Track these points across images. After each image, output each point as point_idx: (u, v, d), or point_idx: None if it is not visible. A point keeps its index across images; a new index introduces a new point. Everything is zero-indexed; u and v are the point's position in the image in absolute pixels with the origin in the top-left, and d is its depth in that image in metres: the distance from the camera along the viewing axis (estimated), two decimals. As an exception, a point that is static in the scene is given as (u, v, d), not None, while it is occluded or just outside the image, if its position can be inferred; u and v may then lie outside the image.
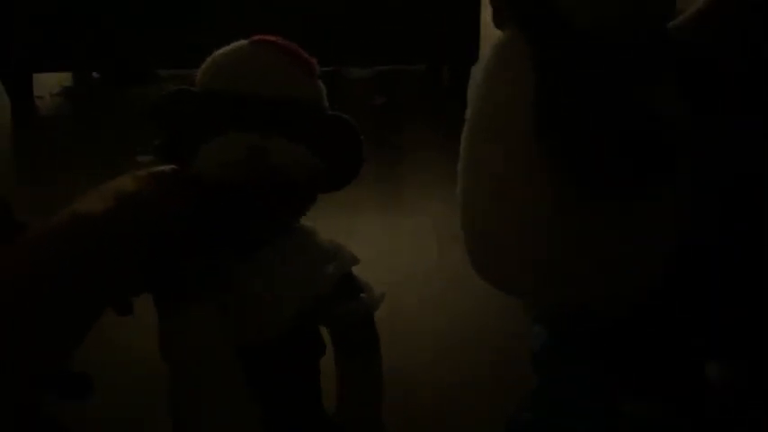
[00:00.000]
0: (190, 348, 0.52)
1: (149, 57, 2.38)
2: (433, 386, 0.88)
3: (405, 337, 0.93)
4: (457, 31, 2.41)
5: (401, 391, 0.88)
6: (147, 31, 2.29)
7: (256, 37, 0.56)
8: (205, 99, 0.55)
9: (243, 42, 0.57)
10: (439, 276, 1.10)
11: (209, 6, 2.30)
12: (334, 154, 0.56)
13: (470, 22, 2.40)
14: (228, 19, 2.30)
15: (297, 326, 0.57)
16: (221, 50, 0.57)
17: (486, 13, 2.50)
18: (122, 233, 0.47)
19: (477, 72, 0.62)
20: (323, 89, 0.58)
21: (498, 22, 0.62)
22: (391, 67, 2.70)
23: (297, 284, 0.56)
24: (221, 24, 2.30)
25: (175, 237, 0.51)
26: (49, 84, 2.53)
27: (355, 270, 0.61)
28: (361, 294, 0.60)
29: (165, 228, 0.50)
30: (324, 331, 0.62)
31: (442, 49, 2.45)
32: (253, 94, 0.53)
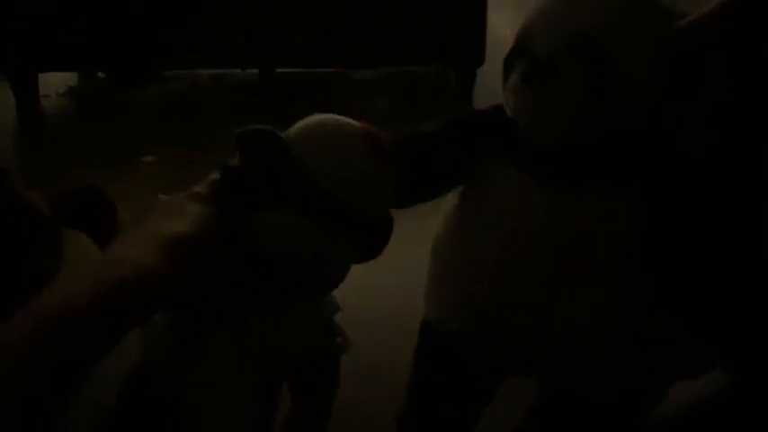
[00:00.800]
0: (214, 369, 0.53)
1: (154, 57, 2.38)
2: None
3: (410, 337, 0.93)
4: (463, 34, 2.40)
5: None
6: (153, 31, 2.29)
7: (369, 129, 0.54)
8: (296, 169, 0.52)
9: (356, 128, 0.54)
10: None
11: (214, 8, 2.30)
12: (372, 252, 0.56)
13: (477, 25, 2.39)
14: (232, 21, 2.31)
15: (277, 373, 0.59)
16: (331, 123, 0.54)
17: (492, 16, 2.50)
18: (179, 286, 0.47)
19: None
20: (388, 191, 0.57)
21: None
22: (397, 69, 2.70)
23: (299, 335, 0.57)
24: (225, 26, 2.31)
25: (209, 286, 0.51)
26: (54, 83, 2.54)
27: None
28: (337, 339, 0.61)
29: (206, 266, 0.50)
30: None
31: (448, 51, 2.44)
32: (343, 202, 0.51)
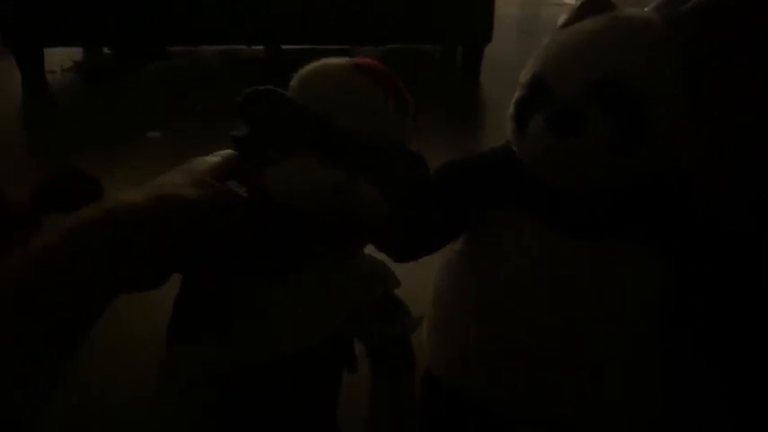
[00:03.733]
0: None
1: (160, 33, 2.37)
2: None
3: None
4: (470, 12, 2.38)
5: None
6: (159, 6, 2.28)
7: (363, 62, 0.54)
8: (301, 115, 0.53)
9: (349, 63, 0.55)
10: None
11: (221, -18, 2.28)
12: (404, 193, 0.55)
13: (484, 3, 2.37)
14: (240, -5, 2.29)
15: (331, 340, 0.56)
16: (325, 67, 0.55)
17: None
18: (160, 231, 0.46)
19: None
20: (414, 127, 0.57)
21: None
22: (403, 47, 2.68)
23: (337, 301, 0.56)
24: (231, 2, 2.29)
25: (224, 242, 0.51)
26: (60, 59, 2.53)
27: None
28: (402, 316, 0.60)
29: (207, 236, 0.49)
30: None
31: (455, 29, 2.42)
32: (350, 130, 0.52)
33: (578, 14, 0.57)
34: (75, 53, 2.65)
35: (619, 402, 0.60)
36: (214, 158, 0.53)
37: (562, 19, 0.59)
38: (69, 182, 0.55)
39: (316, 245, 0.54)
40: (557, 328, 0.58)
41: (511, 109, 0.59)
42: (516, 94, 0.59)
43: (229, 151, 0.55)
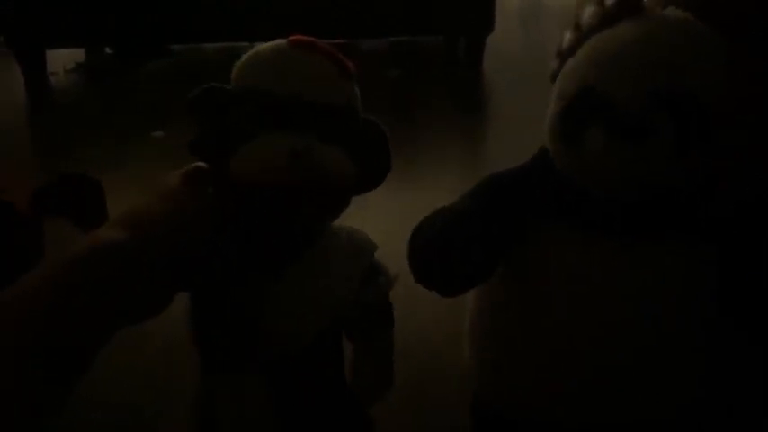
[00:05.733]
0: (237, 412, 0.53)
1: (161, 31, 2.37)
2: (447, 361, 0.88)
3: (419, 311, 0.93)
4: (471, 2, 2.37)
5: (415, 368, 0.88)
6: (160, 5, 2.28)
7: (294, 37, 0.55)
8: (244, 97, 0.54)
9: (281, 42, 0.55)
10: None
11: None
12: (366, 157, 0.55)
13: (486, -7, 2.36)
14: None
15: (330, 328, 0.58)
16: (259, 49, 0.56)
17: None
18: (146, 261, 0.46)
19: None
20: (358, 93, 0.57)
21: None
22: (405, 39, 2.68)
23: (332, 291, 0.56)
24: (233, -2, 2.29)
25: (207, 256, 0.51)
26: (62, 60, 2.53)
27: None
28: (380, 278, 0.60)
29: (194, 247, 0.50)
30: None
31: (457, 20, 2.41)
32: (294, 95, 0.52)
33: (610, 18, 0.55)
34: (77, 54, 2.65)
35: (676, 408, 0.59)
36: (182, 170, 0.54)
37: (588, 20, 0.56)
38: (70, 185, 0.55)
39: (296, 225, 0.54)
40: (617, 338, 0.57)
41: (552, 123, 0.57)
42: (557, 107, 0.57)
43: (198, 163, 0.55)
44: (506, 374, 0.64)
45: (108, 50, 2.76)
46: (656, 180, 0.54)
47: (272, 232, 0.54)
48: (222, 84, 0.56)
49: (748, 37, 0.58)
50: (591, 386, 0.59)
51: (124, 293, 0.45)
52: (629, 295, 0.56)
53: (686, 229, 0.57)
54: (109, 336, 0.45)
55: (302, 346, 0.56)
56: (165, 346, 0.68)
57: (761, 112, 0.59)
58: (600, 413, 0.60)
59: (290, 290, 0.55)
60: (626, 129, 0.51)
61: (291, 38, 0.55)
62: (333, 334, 0.60)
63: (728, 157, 0.58)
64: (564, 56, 0.58)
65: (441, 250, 0.57)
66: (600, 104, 0.53)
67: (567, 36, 0.58)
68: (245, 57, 0.56)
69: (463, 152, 1.76)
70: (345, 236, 0.59)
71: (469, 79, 2.37)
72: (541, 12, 3.67)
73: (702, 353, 0.59)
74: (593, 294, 0.57)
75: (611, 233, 0.56)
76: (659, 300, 0.57)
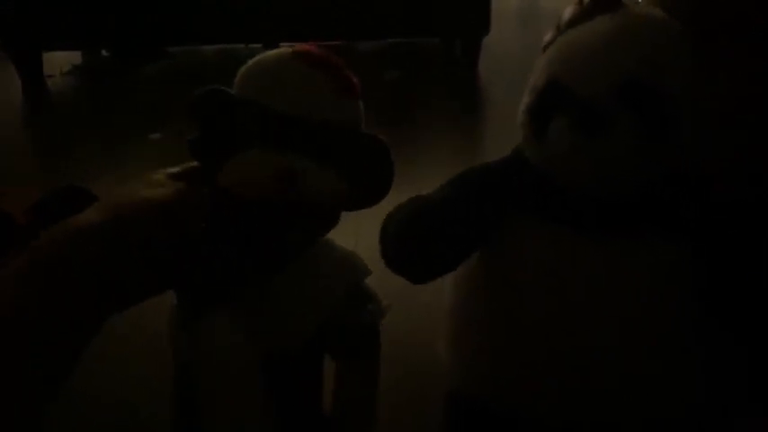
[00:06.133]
0: (216, 350, 0.51)
1: (159, 33, 2.37)
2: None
3: (417, 312, 0.93)
4: (468, 4, 2.37)
5: (414, 372, 0.88)
6: (156, 7, 2.28)
7: (298, 48, 0.54)
8: (242, 107, 0.53)
9: (287, 51, 0.54)
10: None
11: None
12: (364, 177, 0.54)
13: (482, -6, 2.36)
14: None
15: (312, 338, 0.56)
16: (263, 57, 0.55)
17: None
18: (122, 243, 0.46)
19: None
20: (361, 109, 0.56)
21: None
22: (402, 41, 2.68)
23: (316, 301, 0.56)
24: (228, 1, 2.29)
25: (190, 246, 0.50)
26: (58, 62, 2.53)
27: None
28: (369, 305, 0.59)
29: (176, 236, 0.49)
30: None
31: (453, 22, 2.41)
32: (290, 114, 0.52)
33: (586, 12, 0.56)
34: (73, 57, 2.65)
35: (652, 402, 0.59)
36: (173, 168, 0.54)
37: (567, 16, 0.58)
38: (67, 197, 0.55)
39: (285, 235, 0.54)
40: (588, 331, 0.57)
41: (523, 116, 0.58)
42: (526, 101, 0.58)
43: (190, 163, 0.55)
44: (481, 366, 0.64)
45: (104, 53, 2.75)
46: (620, 173, 0.54)
47: (256, 243, 0.54)
48: (224, 87, 0.55)
49: (748, 37, 0.58)
50: (562, 380, 0.59)
51: (102, 275, 0.44)
52: (598, 291, 0.57)
53: (660, 227, 0.57)
54: (95, 324, 0.44)
55: (283, 354, 0.55)
56: (162, 345, 0.67)
57: (761, 112, 0.59)
58: (570, 407, 0.60)
59: (274, 296, 0.54)
60: (588, 122, 0.52)
61: (296, 48, 0.54)
62: (315, 352, 0.59)
63: (727, 157, 0.58)
64: (545, 51, 0.59)
65: (410, 236, 0.58)
66: (565, 98, 0.53)
67: (549, 33, 0.59)
68: (249, 63, 0.55)
69: (462, 152, 1.76)
70: (341, 253, 0.59)
71: (467, 80, 2.37)
72: (539, 13, 3.68)
73: (672, 350, 0.59)
74: (562, 288, 0.57)
75: (584, 228, 0.57)
76: (628, 296, 0.57)
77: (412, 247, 0.58)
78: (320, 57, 0.54)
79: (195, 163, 0.55)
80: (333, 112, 0.53)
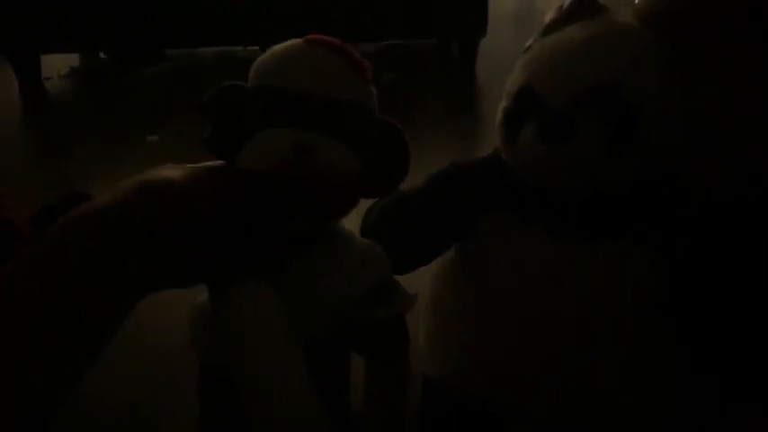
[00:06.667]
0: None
1: (157, 36, 2.37)
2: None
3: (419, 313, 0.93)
4: (465, 6, 2.38)
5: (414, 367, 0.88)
6: (154, 10, 2.28)
7: (311, 36, 0.55)
8: (255, 94, 0.54)
9: (298, 41, 0.55)
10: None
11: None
12: (379, 159, 0.55)
13: (479, -4, 2.37)
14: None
15: (333, 329, 0.56)
16: (275, 48, 0.56)
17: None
18: (142, 224, 0.45)
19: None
20: (374, 93, 0.57)
21: None
22: (399, 42, 2.68)
23: (334, 291, 0.55)
24: (225, 3, 2.29)
25: (210, 227, 0.49)
26: (56, 65, 2.53)
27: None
28: (395, 297, 0.58)
29: (196, 218, 0.48)
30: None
31: (450, 23, 2.42)
32: (303, 91, 0.52)
33: (565, 16, 0.57)
34: (71, 59, 2.65)
35: (618, 397, 0.60)
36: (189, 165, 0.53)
37: (548, 20, 0.59)
38: (70, 205, 0.55)
39: (298, 220, 0.54)
40: (554, 329, 0.59)
41: (499, 119, 0.60)
42: (503, 104, 0.60)
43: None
44: (452, 359, 0.66)
45: (102, 55, 2.76)
46: (586, 178, 0.55)
47: (273, 225, 0.54)
48: (237, 81, 0.56)
49: (748, 37, 0.59)
50: (538, 374, 0.60)
51: (103, 261, 0.43)
52: (574, 289, 0.58)
53: (625, 228, 0.58)
54: (105, 317, 0.44)
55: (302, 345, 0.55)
56: (165, 346, 0.68)
57: (761, 112, 0.59)
58: (544, 400, 0.61)
59: (293, 284, 0.54)
60: (554, 129, 0.54)
61: (307, 37, 0.55)
62: (339, 348, 0.59)
63: (727, 157, 0.58)
64: (524, 54, 0.60)
65: (384, 227, 0.60)
66: (535, 104, 0.55)
67: (532, 38, 0.60)
68: (261, 56, 0.56)
69: (460, 153, 1.77)
70: (361, 244, 0.59)
71: (464, 81, 2.38)
72: (535, 15, 3.69)
73: (641, 350, 0.59)
74: (539, 286, 0.59)
75: (561, 228, 0.58)
76: (603, 295, 0.58)
77: (387, 237, 0.60)
78: (332, 41, 0.55)
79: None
80: (344, 89, 0.54)
